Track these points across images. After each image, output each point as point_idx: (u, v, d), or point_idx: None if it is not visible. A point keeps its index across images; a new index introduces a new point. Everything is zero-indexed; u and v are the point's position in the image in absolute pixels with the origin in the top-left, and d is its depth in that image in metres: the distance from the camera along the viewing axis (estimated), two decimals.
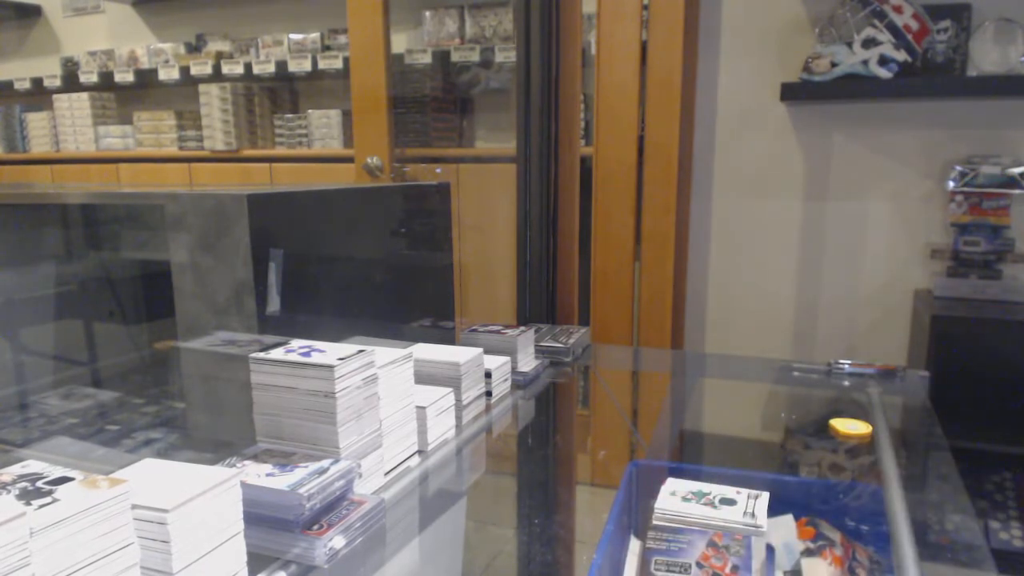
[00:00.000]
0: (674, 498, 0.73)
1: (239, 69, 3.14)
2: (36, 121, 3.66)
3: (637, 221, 2.26)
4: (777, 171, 2.31)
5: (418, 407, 0.94)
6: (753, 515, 0.71)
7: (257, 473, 0.72)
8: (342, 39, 3.05)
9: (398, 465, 0.90)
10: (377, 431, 0.84)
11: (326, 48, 3.11)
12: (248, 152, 3.17)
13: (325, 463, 0.75)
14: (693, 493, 0.74)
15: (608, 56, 2.19)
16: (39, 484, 0.53)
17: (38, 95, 3.67)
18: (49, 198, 1.28)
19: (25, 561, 0.47)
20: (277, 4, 3.26)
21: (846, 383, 1.34)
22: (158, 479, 0.61)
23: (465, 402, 1.10)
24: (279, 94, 3.28)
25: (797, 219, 2.32)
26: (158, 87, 3.46)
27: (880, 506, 0.84)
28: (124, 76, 3.43)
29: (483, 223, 2.55)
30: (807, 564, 0.72)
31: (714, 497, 0.73)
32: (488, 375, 1.17)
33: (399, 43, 2.88)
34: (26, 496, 0.51)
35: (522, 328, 1.34)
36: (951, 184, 2.03)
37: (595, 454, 1.27)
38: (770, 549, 0.72)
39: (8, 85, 3.68)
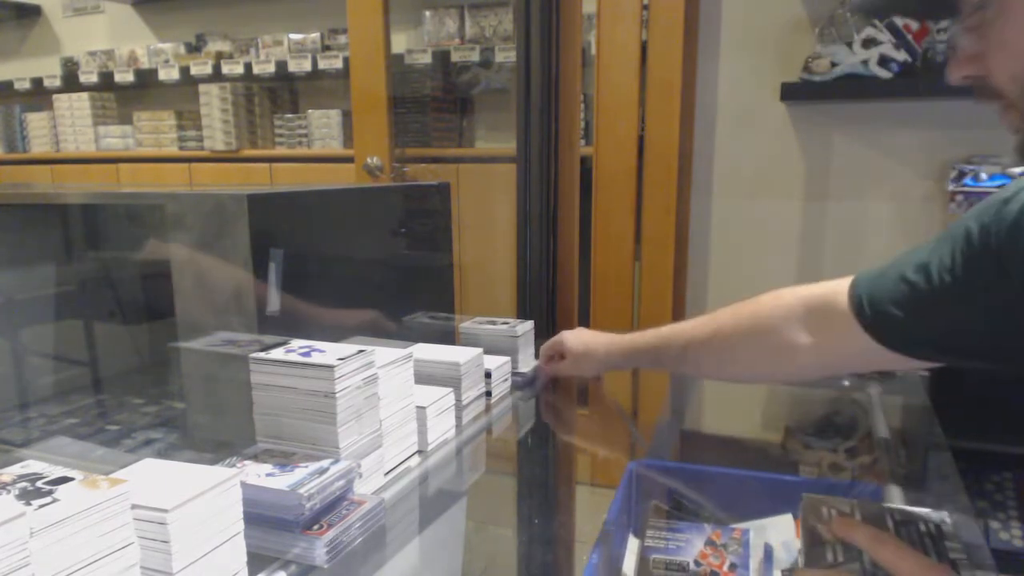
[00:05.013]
0: None
1: (239, 69, 3.14)
2: (36, 121, 3.66)
3: (637, 221, 2.26)
4: (777, 171, 2.31)
5: (418, 407, 0.94)
6: None
7: (257, 473, 0.72)
8: (342, 39, 3.05)
9: (398, 465, 0.90)
10: (377, 431, 0.84)
11: (326, 48, 3.11)
12: (248, 152, 3.17)
13: (325, 463, 0.75)
14: None
15: (608, 56, 2.19)
16: (39, 484, 0.53)
17: (38, 95, 3.67)
18: (49, 198, 1.28)
19: (25, 561, 0.47)
20: (277, 4, 3.26)
21: (846, 383, 1.34)
22: (158, 479, 0.61)
23: (465, 402, 1.10)
24: (279, 94, 3.28)
25: (797, 219, 2.32)
26: (158, 87, 3.46)
27: None
28: (124, 76, 3.43)
29: (483, 223, 2.55)
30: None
31: None
32: (488, 375, 1.18)
33: (399, 43, 2.87)
34: (26, 496, 0.51)
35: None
36: (951, 184, 2.03)
37: (595, 454, 1.27)
38: (768, 548, 0.73)
39: (8, 85, 3.68)
